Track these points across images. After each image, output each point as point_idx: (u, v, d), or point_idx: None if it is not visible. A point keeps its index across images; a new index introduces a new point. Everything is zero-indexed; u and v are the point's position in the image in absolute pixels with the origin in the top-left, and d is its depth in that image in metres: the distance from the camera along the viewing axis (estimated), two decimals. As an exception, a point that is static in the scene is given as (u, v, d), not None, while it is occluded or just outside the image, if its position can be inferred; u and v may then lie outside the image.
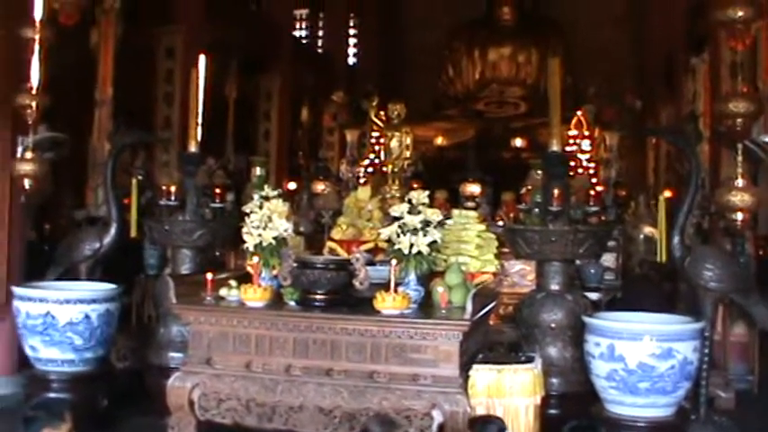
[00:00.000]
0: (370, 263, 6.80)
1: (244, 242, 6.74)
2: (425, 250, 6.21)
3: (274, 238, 6.60)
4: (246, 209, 6.89)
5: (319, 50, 22.47)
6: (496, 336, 7.83)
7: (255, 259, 6.52)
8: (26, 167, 8.05)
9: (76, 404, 6.82)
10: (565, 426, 4.46)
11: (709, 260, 7.32)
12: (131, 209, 8.97)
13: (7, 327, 8.23)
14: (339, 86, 18.82)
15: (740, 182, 7.77)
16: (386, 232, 6.41)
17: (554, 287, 7.34)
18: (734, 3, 7.56)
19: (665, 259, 7.76)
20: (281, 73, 17.19)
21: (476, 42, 22.92)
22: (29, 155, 8.10)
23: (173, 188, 8.39)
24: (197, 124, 8.48)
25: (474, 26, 23.17)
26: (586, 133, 15.81)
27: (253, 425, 5.99)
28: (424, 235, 6.22)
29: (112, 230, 8.51)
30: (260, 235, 6.61)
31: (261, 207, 6.76)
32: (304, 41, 22.01)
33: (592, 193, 9.37)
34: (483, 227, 8.26)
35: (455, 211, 8.56)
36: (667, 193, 11.29)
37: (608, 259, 10.79)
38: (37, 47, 7.93)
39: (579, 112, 15.81)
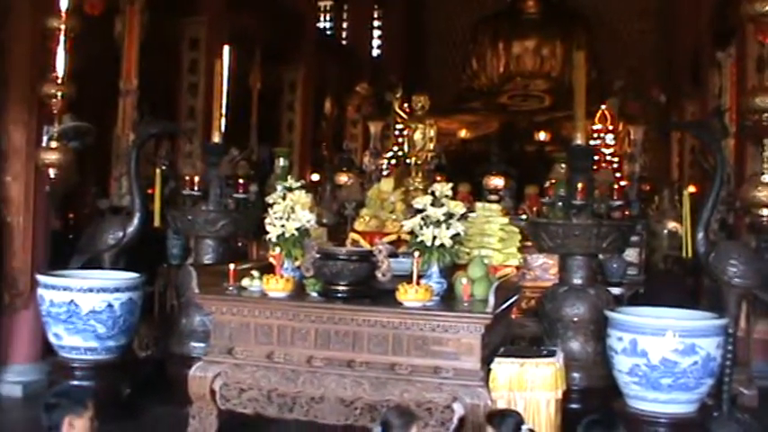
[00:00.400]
0: (393, 255, 6.79)
1: (266, 233, 6.74)
2: (448, 243, 6.20)
3: (297, 229, 6.60)
4: (270, 200, 6.90)
5: (343, 42, 22.45)
6: (518, 329, 7.83)
7: (278, 250, 6.52)
8: (51, 156, 8.09)
9: (98, 392, 6.89)
10: (582, 420, 4.43)
11: (733, 256, 7.28)
12: (155, 199, 9.00)
13: (32, 314, 8.28)
14: (363, 78, 18.82)
15: (766, 177, 7.72)
16: (409, 224, 6.39)
17: (577, 281, 7.32)
18: (762, -3, 7.51)
19: (689, 255, 7.72)
20: (304, 64, 17.18)
21: (500, 35, 22.83)
22: (54, 144, 8.14)
23: (196, 178, 8.42)
24: (221, 115, 8.50)
25: (498, 19, 23.09)
26: (611, 127, 15.75)
27: (273, 415, 6.01)
28: (447, 227, 6.20)
29: (136, 220, 8.56)
30: (283, 226, 6.61)
31: (284, 198, 6.77)
32: (328, 33, 22.00)
33: (615, 187, 9.31)
34: (506, 220, 8.25)
35: (478, 204, 8.55)
36: (692, 189, 11.25)
37: (631, 254, 10.75)
38: (62, 37, 7.95)
39: (604, 106, 15.74)
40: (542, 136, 19.39)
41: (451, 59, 23.49)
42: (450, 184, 6.47)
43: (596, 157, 14.21)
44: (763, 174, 7.74)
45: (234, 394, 6.06)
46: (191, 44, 12.89)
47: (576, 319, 7.21)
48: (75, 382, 7.02)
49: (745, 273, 7.18)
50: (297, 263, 6.59)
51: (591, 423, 4.40)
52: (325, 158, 17.58)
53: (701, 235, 7.28)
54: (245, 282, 6.51)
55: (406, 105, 11.17)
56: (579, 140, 7.37)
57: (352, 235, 8.86)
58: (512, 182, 13.58)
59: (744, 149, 10.06)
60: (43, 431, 4.35)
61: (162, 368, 8.15)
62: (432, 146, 10.32)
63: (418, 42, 24.17)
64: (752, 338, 8.82)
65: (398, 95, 11.02)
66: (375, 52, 23.44)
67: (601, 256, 8.79)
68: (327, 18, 22.37)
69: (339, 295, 6.16)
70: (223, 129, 8.53)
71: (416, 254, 6.10)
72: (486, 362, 5.79)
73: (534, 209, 11.20)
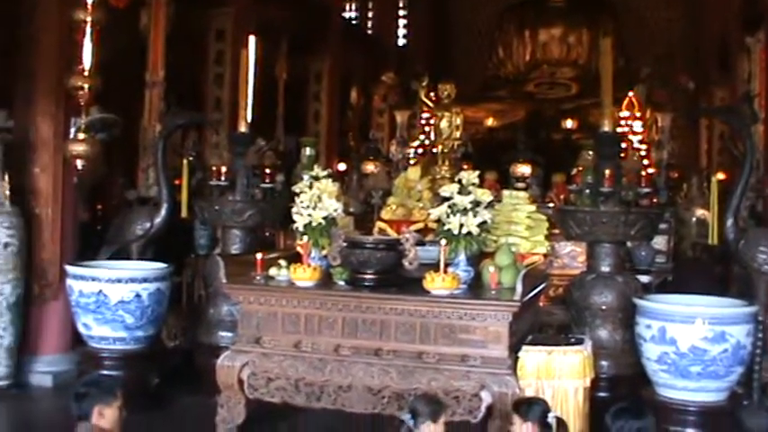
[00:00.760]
0: (420, 243, 6.78)
1: (293, 222, 6.75)
2: (475, 231, 6.18)
3: (324, 218, 6.61)
4: (296, 189, 6.91)
5: (369, 32, 22.41)
6: (546, 317, 7.81)
7: (305, 239, 6.52)
8: (78, 148, 8.12)
9: (127, 382, 6.93)
10: (610, 409, 4.41)
11: (763, 243, 7.23)
12: (182, 189, 9.03)
13: (61, 305, 8.34)
14: (389, 68, 18.78)
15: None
16: (435, 212, 6.38)
17: (604, 269, 7.28)
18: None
19: (717, 242, 7.67)
20: (330, 54, 17.17)
21: (526, 23, 22.72)
22: (81, 136, 8.17)
23: (223, 169, 8.43)
24: (247, 105, 8.51)
25: (524, 6, 22.96)
26: (638, 114, 15.61)
27: (301, 404, 6.02)
28: (474, 215, 6.19)
29: (163, 211, 8.62)
30: (310, 215, 6.62)
31: (311, 187, 6.77)
32: (354, 23, 21.97)
33: (643, 174, 9.26)
34: (533, 208, 8.22)
35: (505, 192, 8.53)
36: (720, 175, 11.14)
37: (659, 242, 10.70)
38: (89, 29, 7.98)
39: (631, 93, 15.62)
40: (569, 124, 19.29)
41: (477, 48, 23.39)
42: (477, 172, 6.45)
43: (624, 145, 14.14)
44: (792, 159, 7.67)
45: (262, 383, 6.07)
46: (217, 35, 12.89)
47: (604, 306, 7.18)
48: (105, 372, 7.06)
49: (776, 260, 7.13)
50: (324, 252, 6.59)
51: (619, 411, 4.38)
52: (351, 148, 17.58)
53: (730, 222, 7.23)
54: (273, 271, 6.51)
55: (432, 94, 11.14)
56: (606, 127, 7.33)
57: (379, 223, 8.83)
58: (539, 170, 13.53)
59: (774, 135, 9.98)
60: (73, 420, 4.38)
61: (190, 358, 8.20)
62: (458, 134, 10.32)
63: (444, 31, 24.10)
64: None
65: (424, 84, 11.02)
66: (401, 41, 23.38)
67: (629, 244, 8.76)
68: (353, 8, 22.34)
69: (366, 284, 6.15)
70: (249, 119, 8.55)
71: (443, 242, 6.09)
72: (514, 350, 5.78)
73: (561, 197, 11.15)
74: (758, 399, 7.10)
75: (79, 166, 8.23)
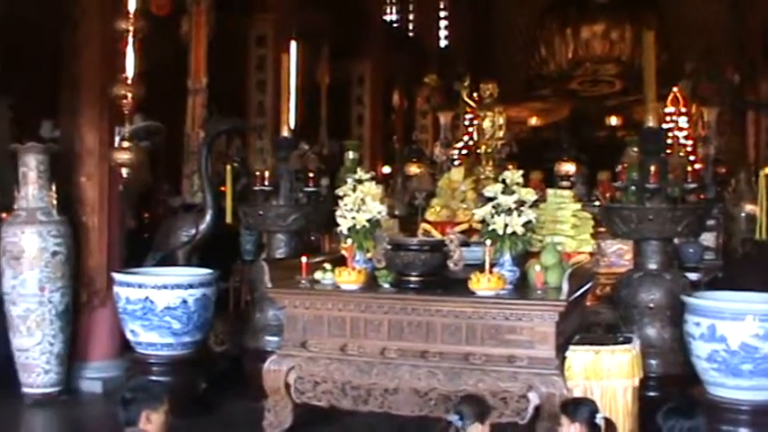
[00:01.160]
0: (465, 244, 6.76)
1: (338, 225, 6.75)
2: (520, 230, 6.15)
3: (368, 221, 6.60)
4: (340, 192, 6.91)
5: (410, 34, 22.40)
6: (594, 317, 7.74)
7: (349, 242, 6.52)
8: (123, 156, 8.17)
9: (175, 387, 6.98)
10: (661, 409, 4.35)
11: (813, 237, 7.10)
12: (227, 195, 9.07)
13: (109, 312, 8.40)
14: (431, 69, 18.74)
15: None
16: (480, 213, 6.36)
17: (652, 266, 7.18)
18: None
19: (766, 237, 7.55)
20: (372, 57, 17.19)
21: (568, 20, 22.60)
22: (125, 144, 8.22)
23: (266, 174, 8.44)
24: (289, 110, 8.52)
25: (566, 4, 22.85)
26: (683, 110, 15.45)
27: (348, 407, 6.02)
28: (519, 215, 6.16)
29: (208, 217, 8.67)
30: (353, 218, 6.62)
31: (354, 190, 6.76)
32: (395, 25, 21.98)
33: (690, 170, 9.13)
34: (579, 206, 8.13)
35: (550, 191, 8.44)
36: (769, 169, 10.97)
37: (708, 238, 10.56)
38: (131, 38, 8.03)
39: (676, 89, 15.46)
40: (614, 121, 19.17)
41: (519, 47, 23.29)
42: (521, 172, 6.41)
43: (669, 141, 14.01)
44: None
45: (308, 387, 6.09)
46: (258, 41, 12.95)
47: (651, 305, 7.08)
48: (153, 378, 7.10)
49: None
50: (368, 254, 6.59)
51: (670, 411, 4.32)
52: (396, 151, 17.57)
53: (779, 217, 7.12)
54: (318, 275, 6.52)
55: (474, 94, 11.10)
56: (650, 123, 7.24)
57: (424, 225, 8.81)
58: (583, 168, 13.44)
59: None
60: (121, 426, 4.40)
61: (237, 363, 8.21)
62: (501, 134, 10.26)
63: (485, 31, 24.01)
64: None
65: (466, 84, 10.96)
66: (443, 43, 23.34)
67: (676, 241, 8.64)
68: (394, 11, 22.36)
69: (411, 286, 6.15)
70: (292, 124, 8.57)
71: (488, 242, 6.06)
72: (561, 350, 5.74)
73: (607, 195, 11.06)
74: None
75: (124, 175, 8.28)
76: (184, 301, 7.55)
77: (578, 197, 9.42)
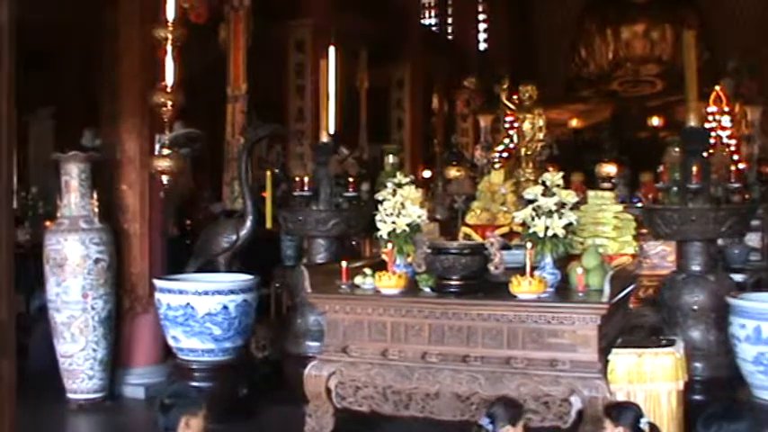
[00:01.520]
0: (505, 247, 6.70)
1: (378, 230, 6.73)
2: (561, 233, 6.09)
3: (408, 225, 6.57)
4: (379, 196, 6.88)
5: (449, 37, 22.38)
6: (637, 319, 7.64)
7: (389, 246, 6.50)
8: (163, 164, 8.23)
9: (216, 393, 7.01)
10: (701, 414, 4.25)
11: None
12: (266, 201, 9.09)
13: (152, 318, 8.45)
14: (471, 72, 18.71)
15: None
16: (520, 215, 6.30)
17: (695, 268, 7.09)
18: None
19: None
20: (411, 61, 17.18)
21: (608, 21, 22.45)
22: (166, 152, 8.28)
23: (306, 179, 8.45)
24: (328, 115, 8.52)
25: (605, 4, 22.69)
26: (726, 109, 15.28)
27: (389, 412, 5.99)
28: (560, 217, 6.10)
29: (248, 223, 8.69)
30: (393, 222, 6.59)
31: (394, 194, 6.74)
32: (433, 29, 21.97)
33: (733, 169, 9.03)
34: (620, 208, 8.06)
35: (591, 193, 8.38)
36: (815, 168, 10.83)
37: (753, 239, 10.41)
38: (170, 46, 8.08)
39: (718, 87, 15.30)
40: (655, 121, 19.01)
41: (559, 49, 23.17)
42: (561, 173, 6.35)
43: (712, 140, 13.87)
44: None
45: (349, 392, 6.06)
46: (296, 46, 12.98)
47: (695, 306, 6.98)
48: (194, 384, 7.12)
49: None
50: (409, 259, 6.56)
51: (710, 416, 4.21)
52: (436, 154, 17.54)
53: (825, 216, 7.01)
54: (358, 279, 6.50)
55: (515, 97, 11.04)
56: (692, 122, 7.15)
57: (464, 229, 8.77)
58: (625, 169, 13.34)
59: None
60: (160, 432, 4.42)
61: (279, 368, 8.23)
62: (541, 135, 10.19)
63: (524, 33, 23.94)
64: None
65: (505, 87, 10.90)
66: (482, 46, 23.29)
67: (721, 242, 8.53)
68: (432, 14, 22.36)
69: (452, 290, 6.10)
70: (332, 129, 8.56)
71: (529, 245, 6.01)
72: (604, 353, 5.67)
73: (650, 196, 10.95)
74: None
75: (165, 182, 8.34)
76: (225, 307, 7.57)
77: (620, 199, 9.34)
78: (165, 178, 8.31)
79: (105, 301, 8.29)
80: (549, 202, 6.12)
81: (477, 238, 7.98)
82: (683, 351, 5.93)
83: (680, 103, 13.88)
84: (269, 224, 9.03)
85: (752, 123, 14.53)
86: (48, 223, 8.85)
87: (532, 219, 6.14)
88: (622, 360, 5.68)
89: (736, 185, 7.65)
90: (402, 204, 6.65)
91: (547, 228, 6.07)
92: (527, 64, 22.44)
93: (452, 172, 14.09)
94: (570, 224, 6.15)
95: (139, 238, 8.80)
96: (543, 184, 6.24)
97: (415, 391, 5.88)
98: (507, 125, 13.57)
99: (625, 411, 4.69)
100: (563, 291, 6.07)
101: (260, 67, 10.70)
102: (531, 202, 6.22)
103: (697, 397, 6.33)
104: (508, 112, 12.01)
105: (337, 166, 11.50)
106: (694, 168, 6.90)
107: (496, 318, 5.81)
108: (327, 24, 12.52)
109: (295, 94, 12.96)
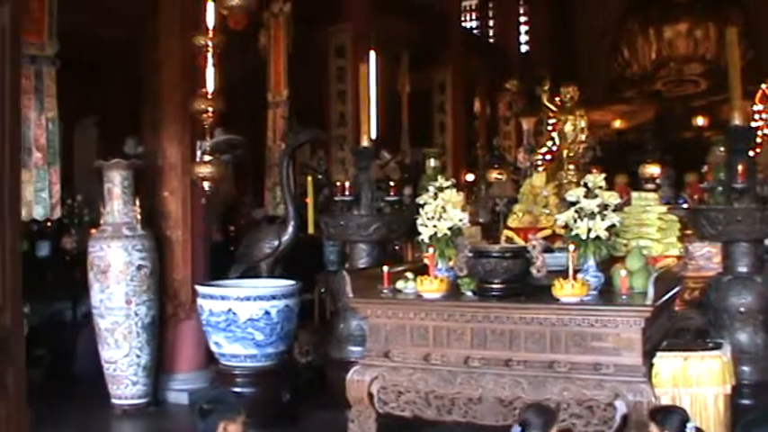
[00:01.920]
0: (548, 250, 6.65)
1: (419, 234, 6.71)
2: (604, 235, 6.03)
3: (449, 229, 6.55)
4: (420, 200, 6.86)
5: (491, 40, 22.32)
6: (682, 322, 7.54)
7: (431, 250, 6.47)
8: (205, 170, 8.26)
9: (259, 398, 7.01)
10: (743, 417, 4.16)
11: None
12: (308, 206, 9.10)
13: (195, 324, 8.49)
14: (512, 75, 18.63)
15: None
16: (562, 218, 6.26)
17: (742, 269, 6.97)
18: None
19: None
20: (452, 65, 17.13)
21: (650, 21, 22.20)
22: (207, 158, 8.31)
23: (347, 184, 8.43)
24: (369, 120, 8.50)
25: (647, 4, 22.46)
26: (772, 108, 15.06)
27: (432, 417, 5.96)
28: (602, 219, 6.05)
29: (290, 228, 8.70)
30: (435, 226, 6.57)
31: (435, 198, 6.72)
32: (475, 32, 21.92)
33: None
34: (664, 209, 7.96)
35: (634, 194, 8.29)
36: None
37: (801, 239, 10.23)
38: (210, 53, 8.11)
39: (764, 86, 15.09)
40: (700, 121, 18.81)
41: (601, 50, 22.99)
42: (603, 175, 6.29)
43: (758, 139, 13.68)
44: None
45: (392, 397, 6.05)
46: (337, 52, 12.98)
47: (742, 309, 6.87)
48: (236, 389, 7.16)
49: None
50: (450, 263, 6.52)
51: (752, 422, 4.12)
52: (479, 157, 17.48)
53: None
54: (400, 284, 6.49)
55: (557, 99, 10.96)
56: (737, 120, 7.04)
57: (506, 232, 8.72)
58: (669, 170, 13.19)
59: None
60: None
61: (322, 373, 8.22)
62: (583, 137, 10.10)
63: (566, 35, 23.78)
64: None
65: (546, 88, 10.82)
66: (523, 48, 23.20)
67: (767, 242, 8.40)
68: (473, 17, 22.32)
69: (494, 293, 6.07)
70: (373, 133, 8.53)
71: (571, 248, 5.95)
72: (649, 356, 5.61)
73: (695, 196, 10.83)
74: None
75: (206, 188, 8.37)
76: (267, 313, 7.58)
77: (664, 200, 9.23)
78: (206, 184, 8.34)
79: (148, 308, 8.35)
80: (591, 204, 6.07)
81: (520, 241, 7.93)
82: (729, 354, 5.84)
83: (724, 103, 13.71)
84: (311, 229, 9.03)
85: (799, 122, 14.31)
86: (92, 231, 8.91)
87: (575, 221, 6.10)
88: (667, 363, 5.60)
89: (784, 185, 7.53)
90: (443, 208, 6.64)
91: (589, 230, 6.02)
92: (568, 66, 22.29)
93: (494, 175, 14.02)
94: (613, 226, 6.10)
95: (182, 245, 8.85)
96: (585, 185, 6.19)
97: (458, 395, 5.85)
98: (550, 127, 13.49)
99: (670, 416, 4.61)
100: (606, 293, 6.02)
101: (300, 72, 10.70)
102: (573, 204, 6.17)
103: (745, 401, 6.22)
104: (550, 113, 11.94)
105: (379, 171, 11.48)
106: (740, 168, 6.80)
107: (539, 321, 5.76)
108: (367, 29, 12.52)
109: (336, 99, 12.96)
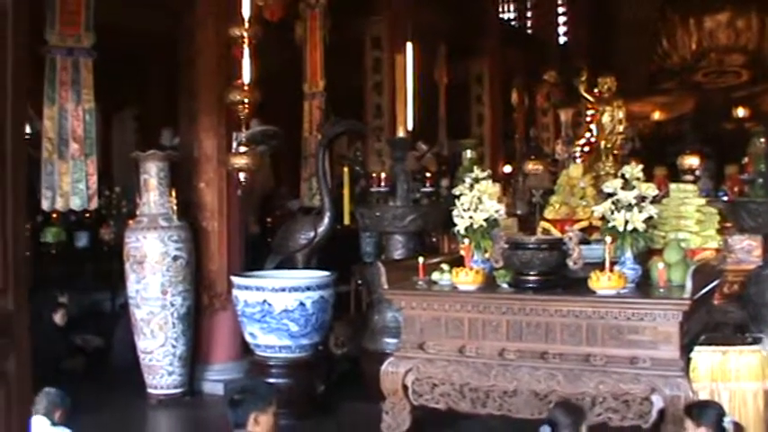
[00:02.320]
0: (584, 242, 6.58)
1: (455, 225, 6.67)
2: (641, 227, 5.95)
3: (485, 220, 6.50)
4: (456, 191, 6.82)
5: (528, 31, 22.20)
6: (721, 316, 7.45)
7: (466, 242, 6.43)
8: (240, 161, 8.27)
9: (293, 389, 7.01)
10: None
11: None
12: (344, 197, 9.09)
13: (230, 315, 8.51)
14: (550, 66, 18.52)
15: None
16: (599, 209, 6.19)
17: (783, 262, 6.88)
18: None
19: None
20: (490, 56, 17.05)
21: (690, 11, 21.99)
22: (242, 149, 8.31)
23: (383, 175, 8.41)
24: (405, 111, 8.47)
25: (687, -6, 22.29)
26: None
27: (466, 410, 5.92)
28: (640, 211, 5.96)
29: (326, 219, 8.68)
30: (471, 217, 6.52)
31: (471, 189, 6.67)
32: (512, 23, 21.82)
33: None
34: (703, 201, 7.86)
35: (672, 186, 8.19)
36: None
37: (842, 231, 10.07)
38: (246, 44, 8.11)
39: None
40: (741, 112, 18.61)
41: (640, 41, 22.80)
42: (641, 166, 6.21)
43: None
44: None
45: (426, 389, 6.01)
46: (373, 43, 12.93)
47: (782, 303, 6.78)
48: (271, 380, 7.16)
49: None
50: (486, 254, 6.48)
51: None
52: (516, 149, 17.41)
53: None
54: (435, 275, 6.45)
55: (596, 90, 10.88)
56: (778, 112, 6.95)
57: (543, 223, 8.65)
58: (708, 161, 13.05)
59: None
60: (229, 427, 4.43)
61: (357, 365, 8.22)
62: (621, 128, 10.01)
63: (605, 26, 23.60)
64: None
65: (584, 79, 10.73)
66: (561, 39, 23.06)
67: (809, 235, 8.28)
68: (511, 8, 22.21)
69: (530, 285, 6.01)
70: (410, 125, 8.50)
71: (608, 240, 5.89)
72: (686, 351, 5.53)
73: (735, 188, 10.70)
74: None
75: (242, 179, 8.38)
76: (302, 304, 7.59)
77: (704, 192, 9.11)
78: (241, 176, 8.35)
79: (184, 298, 8.38)
80: (628, 196, 5.99)
81: (556, 233, 7.86)
82: (769, 349, 5.75)
83: (766, 93, 13.59)
84: (346, 220, 9.02)
85: (843, 111, 14.12)
86: (130, 222, 8.96)
87: (612, 213, 6.02)
88: (705, 358, 5.52)
89: (826, 176, 7.41)
90: (479, 199, 6.58)
91: (627, 222, 5.95)
92: (607, 57, 22.12)
93: (531, 166, 13.94)
94: (651, 218, 6.01)
95: (217, 236, 8.87)
96: (623, 177, 6.11)
97: (493, 388, 5.80)
98: (588, 118, 13.39)
99: (706, 410, 4.56)
100: (644, 286, 5.94)
101: (337, 63, 10.68)
102: (610, 195, 6.09)
103: (785, 397, 6.13)
104: (588, 105, 11.85)
105: (416, 162, 11.46)
106: (780, 159, 6.70)
107: (575, 314, 5.70)
108: (404, 20, 12.46)
109: (373, 90, 12.91)
